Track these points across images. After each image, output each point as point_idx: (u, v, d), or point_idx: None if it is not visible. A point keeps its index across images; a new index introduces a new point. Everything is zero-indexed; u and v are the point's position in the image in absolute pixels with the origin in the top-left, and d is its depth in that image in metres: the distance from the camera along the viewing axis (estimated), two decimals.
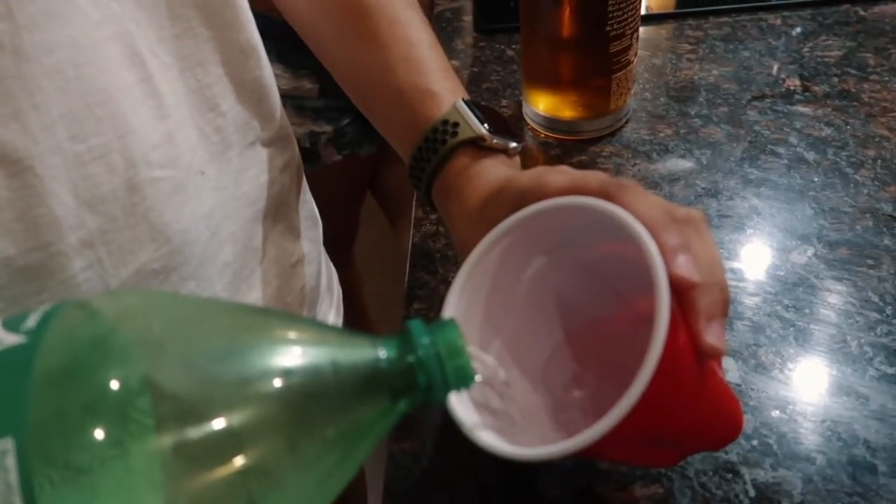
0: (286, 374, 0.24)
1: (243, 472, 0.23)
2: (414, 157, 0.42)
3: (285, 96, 0.92)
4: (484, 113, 0.42)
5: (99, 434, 0.21)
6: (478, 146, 0.41)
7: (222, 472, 0.22)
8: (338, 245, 1.14)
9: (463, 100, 0.42)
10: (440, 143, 0.41)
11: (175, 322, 0.25)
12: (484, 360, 0.31)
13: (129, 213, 0.34)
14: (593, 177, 0.34)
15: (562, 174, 0.35)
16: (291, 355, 0.24)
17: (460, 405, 0.32)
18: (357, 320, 1.22)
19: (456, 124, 0.41)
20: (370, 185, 1.10)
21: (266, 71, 0.44)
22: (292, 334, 0.25)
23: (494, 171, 0.40)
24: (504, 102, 0.66)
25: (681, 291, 0.30)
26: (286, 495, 0.24)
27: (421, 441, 0.41)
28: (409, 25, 0.45)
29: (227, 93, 0.41)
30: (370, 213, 1.15)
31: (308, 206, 0.53)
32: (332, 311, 0.56)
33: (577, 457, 0.30)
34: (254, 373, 0.24)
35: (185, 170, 0.37)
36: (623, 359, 0.34)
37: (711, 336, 0.30)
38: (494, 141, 0.41)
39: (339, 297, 0.59)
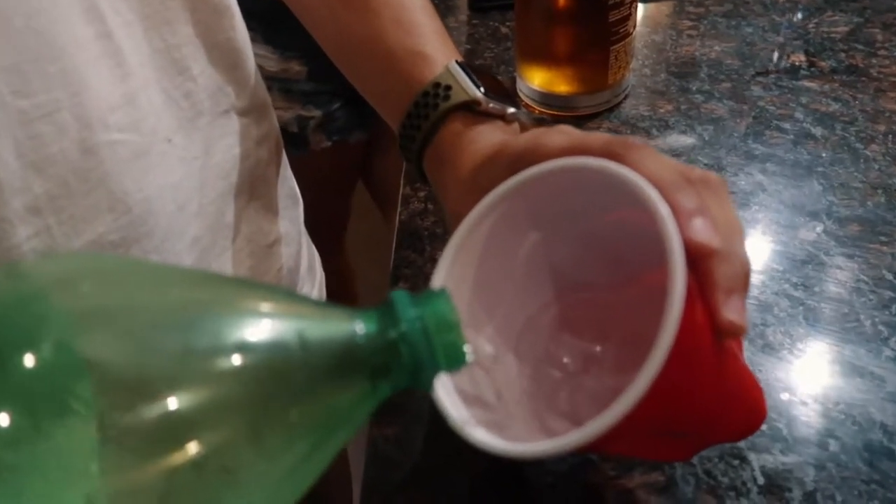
0: (244, 349, 0.21)
1: (196, 465, 0.20)
2: (404, 123, 0.39)
3: (272, 79, 0.90)
4: (480, 76, 0.39)
5: (19, 421, 0.18)
6: (472, 111, 0.38)
7: (170, 464, 0.19)
8: (329, 234, 1.11)
9: (457, 61, 0.39)
10: (431, 108, 0.38)
11: (116, 288, 0.22)
12: (476, 342, 0.28)
13: (82, 178, 0.32)
14: (597, 136, 0.31)
15: (562, 134, 0.32)
16: (252, 328, 0.21)
17: (448, 396, 0.28)
18: (348, 305, 1.19)
19: (448, 87, 0.38)
20: (361, 173, 1.07)
21: (240, 33, 0.41)
22: (254, 304, 0.22)
23: (490, 137, 0.37)
24: (498, 79, 0.64)
25: (697, 260, 0.26)
26: (248, 490, 0.21)
27: (405, 427, 0.39)
28: None
29: (197, 55, 0.38)
30: (362, 202, 1.12)
31: (288, 185, 0.50)
32: (314, 294, 0.53)
33: (578, 452, 0.27)
34: (206, 347, 0.21)
35: (149, 135, 0.35)
36: (633, 341, 0.31)
37: (732, 311, 0.26)
38: (490, 105, 0.38)
39: (322, 281, 0.56)
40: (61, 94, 0.30)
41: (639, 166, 0.28)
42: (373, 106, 0.44)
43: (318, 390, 0.22)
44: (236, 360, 0.21)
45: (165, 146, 0.36)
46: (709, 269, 0.26)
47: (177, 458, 0.20)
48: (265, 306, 0.22)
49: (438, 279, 0.30)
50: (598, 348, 0.34)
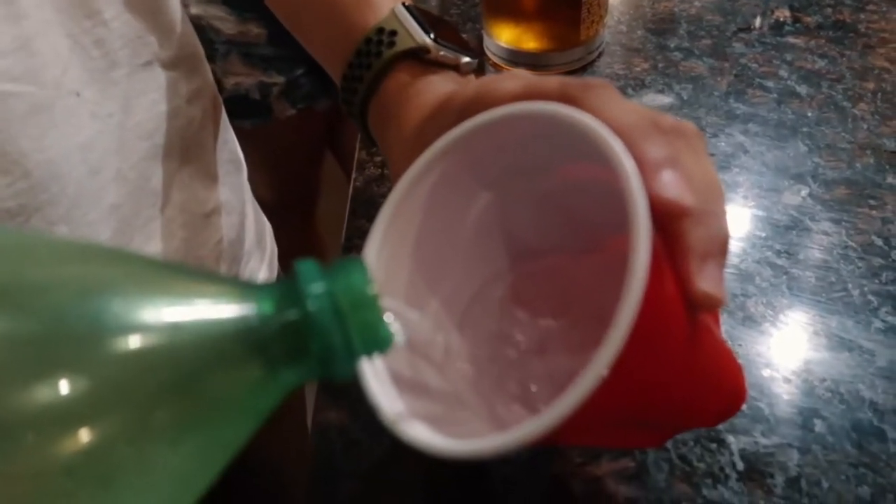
0: (111, 336, 0.17)
1: (67, 471, 0.16)
2: (345, 75, 0.35)
3: (230, 43, 0.85)
4: (431, 21, 0.35)
5: None
6: (421, 59, 0.34)
7: (35, 469, 0.16)
8: (298, 209, 1.07)
9: (404, 4, 0.35)
10: (374, 56, 0.34)
11: None
12: (408, 317, 0.24)
13: None
14: (553, 79, 0.27)
15: (514, 79, 0.28)
16: (120, 310, 0.17)
17: (379, 384, 0.24)
18: None
19: (394, 32, 0.34)
20: (329, 144, 1.02)
21: None
22: (125, 281, 0.18)
23: (440, 88, 0.32)
24: (464, 37, 0.59)
25: (667, 221, 0.23)
26: (130, 498, 0.17)
27: (353, 410, 0.35)
28: None
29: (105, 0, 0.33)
30: (334, 174, 1.08)
31: (229, 148, 0.46)
32: (263, 269, 0.50)
33: (536, 446, 0.23)
34: (65, 335, 0.17)
35: (50, 88, 0.30)
36: (596, 316, 0.28)
37: (706, 281, 0.22)
38: (441, 53, 0.33)
39: (273, 255, 0.52)
40: None
41: (599, 111, 0.24)
42: (318, 60, 0.40)
43: (204, 383, 0.18)
44: (101, 348, 0.17)
45: (72, 100, 0.32)
46: (680, 232, 0.23)
47: (42, 463, 0.16)
48: (137, 284, 0.18)
49: (371, 250, 0.26)
50: (555, 324, 0.30)
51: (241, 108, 0.87)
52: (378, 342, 0.20)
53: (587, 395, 0.20)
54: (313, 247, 1.12)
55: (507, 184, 0.29)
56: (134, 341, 0.17)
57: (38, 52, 0.30)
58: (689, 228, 0.23)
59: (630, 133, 0.23)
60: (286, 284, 0.19)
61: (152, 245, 0.38)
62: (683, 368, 0.24)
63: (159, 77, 0.37)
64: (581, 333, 0.28)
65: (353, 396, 0.35)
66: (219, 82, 0.85)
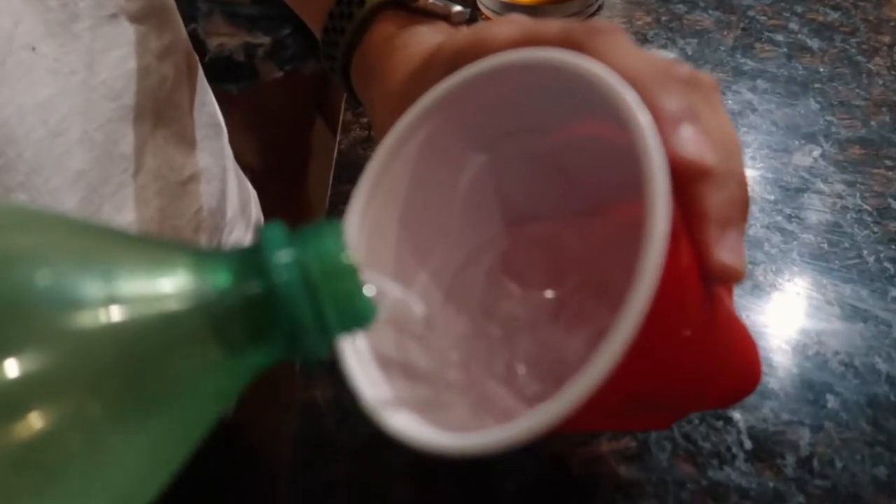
0: (47, 312, 0.15)
1: (12, 463, 0.14)
2: (326, 28, 0.32)
3: (213, 1, 0.81)
4: None
5: None
6: (407, 8, 0.31)
7: None
8: (287, 176, 1.04)
9: None
10: (357, 5, 0.31)
11: None
12: (388, 289, 0.22)
13: None
14: (553, 24, 0.24)
15: (510, 24, 0.25)
16: (58, 283, 0.15)
17: (361, 366, 0.22)
18: None
19: None
20: (319, 108, 0.99)
21: None
22: (67, 250, 0.16)
23: (428, 39, 0.30)
24: None
25: (685, 183, 0.20)
26: (80, 493, 0.15)
27: (336, 385, 0.33)
28: None
29: None
30: (323, 142, 1.05)
31: (208, 111, 0.43)
32: (247, 238, 0.47)
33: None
34: None
35: (2, 42, 0.28)
36: (596, 288, 0.25)
37: (726, 252, 0.20)
38: (430, 1, 0.30)
39: (259, 223, 0.50)
40: None
41: (608, 58, 0.21)
42: (297, 13, 0.37)
43: (155, 365, 0.16)
44: (33, 328, 0.15)
45: (27, 56, 0.29)
46: (699, 195, 0.20)
47: None
48: (73, 254, 0.16)
49: (353, 217, 0.24)
50: (560, 303, 0.27)
51: (226, 71, 0.84)
52: (356, 318, 0.17)
53: (601, 380, 0.17)
54: (302, 215, 1.09)
55: (502, 144, 0.26)
56: (69, 319, 0.15)
57: None
58: (708, 192, 0.20)
59: (643, 82, 0.21)
60: (248, 252, 0.17)
61: (124, 214, 0.35)
62: (697, 346, 0.22)
63: (127, 31, 0.34)
64: (577, 308, 0.26)
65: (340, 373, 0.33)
66: (202, 43, 0.81)
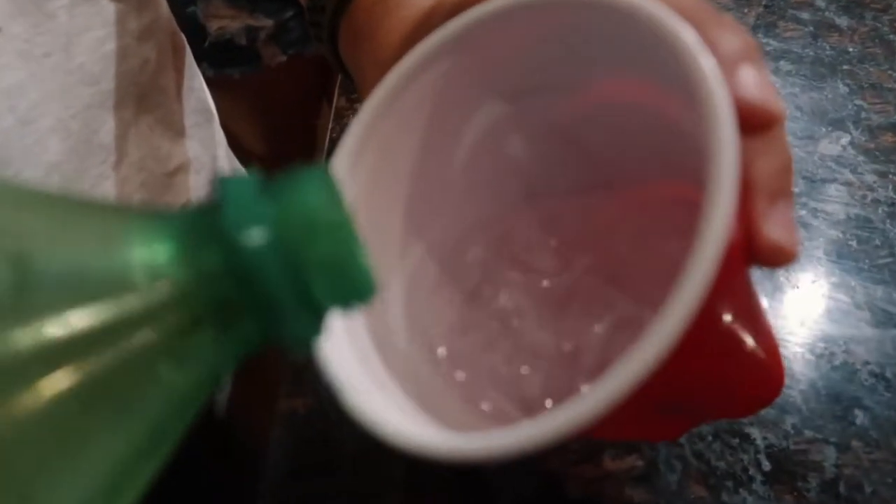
0: None
1: None
2: None
3: None
4: None
5: None
6: None
7: None
8: (294, 163, 1.01)
9: None
10: None
11: None
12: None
13: None
14: None
15: None
16: None
17: (341, 357, 0.19)
18: None
19: None
20: (324, 93, 0.96)
21: None
22: None
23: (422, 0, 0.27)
24: None
25: (745, 136, 0.17)
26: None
27: (317, 394, 0.31)
28: None
29: None
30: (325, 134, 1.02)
31: (197, 96, 0.41)
32: None
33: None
34: None
35: None
36: (613, 273, 0.22)
37: (778, 227, 0.17)
38: None
39: None
40: None
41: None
42: None
43: (82, 363, 0.13)
44: None
45: None
46: (748, 158, 0.17)
47: None
48: None
49: (340, 172, 0.21)
50: (576, 284, 0.24)
51: (228, 56, 0.82)
52: (353, 288, 0.13)
53: (640, 379, 0.15)
54: None
55: (517, 102, 0.23)
56: None
57: None
58: (759, 160, 0.17)
59: (697, 17, 0.17)
60: (203, 213, 0.13)
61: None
62: (735, 335, 0.19)
63: (105, 10, 0.32)
64: (588, 294, 0.23)
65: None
66: (201, 27, 0.79)
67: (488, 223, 0.25)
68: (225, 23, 0.80)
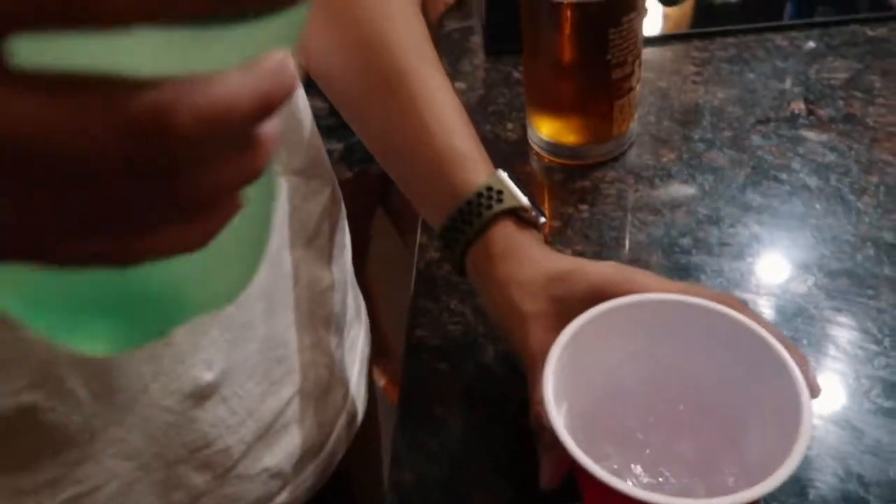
0: None
1: None
2: (453, 217, 0.43)
3: None
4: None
5: None
6: (517, 216, 0.42)
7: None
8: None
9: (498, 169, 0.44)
10: (485, 208, 0.42)
11: None
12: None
13: None
14: (696, 288, 0.39)
15: (649, 276, 0.39)
16: None
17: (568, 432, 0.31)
18: (371, 333, 1.22)
19: (500, 192, 0.42)
20: (381, 201, 1.11)
21: (301, 101, 0.45)
22: None
23: (541, 249, 0.42)
24: (510, 126, 0.67)
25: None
26: None
27: (426, 469, 0.42)
28: (441, 89, 0.45)
29: None
30: (381, 227, 1.16)
31: (341, 233, 0.53)
32: (361, 336, 0.56)
33: None
34: None
35: None
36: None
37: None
38: (532, 213, 0.42)
39: (368, 328, 0.59)
40: None
41: (755, 319, 0.35)
42: (412, 200, 0.48)
43: None
44: None
45: None
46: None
47: None
48: None
49: (553, 360, 0.34)
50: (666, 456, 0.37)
51: None
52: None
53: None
54: (363, 292, 1.20)
55: (643, 353, 0.37)
56: None
57: None
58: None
59: (781, 339, 0.34)
60: None
61: (287, 316, 0.44)
62: None
63: (292, 181, 0.44)
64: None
65: (432, 449, 0.42)
66: None
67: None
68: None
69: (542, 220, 0.43)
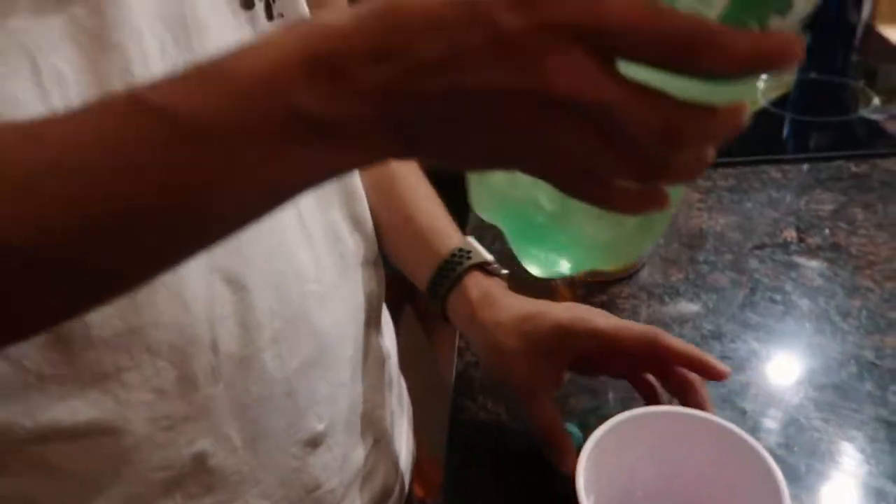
0: None
1: None
2: (435, 273, 0.55)
3: None
4: None
5: None
6: (484, 269, 0.55)
7: None
8: None
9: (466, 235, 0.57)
10: (458, 264, 0.55)
11: None
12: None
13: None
14: (630, 324, 0.50)
15: (601, 315, 0.50)
16: None
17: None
18: None
19: (470, 251, 0.55)
20: (409, 300, 1.19)
21: (365, 209, 0.55)
22: None
23: (512, 296, 0.54)
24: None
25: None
26: None
27: None
28: (420, 184, 0.60)
29: (344, 227, 0.50)
30: (408, 326, 1.24)
31: (385, 311, 0.62)
32: (404, 422, 0.63)
33: None
34: None
35: (328, 285, 0.47)
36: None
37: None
38: (495, 266, 0.56)
39: (411, 412, 0.66)
40: (285, 265, 0.44)
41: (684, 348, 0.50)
42: (402, 268, 0.59)
43: None
44: None
45: (334, 291, 0.48)
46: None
47: None
48: None
49: (584, 459, 0.41)
50: None
51: None
52: None
53: None
54: None
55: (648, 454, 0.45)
56: None
57: (322, 264, 0.47)
58: None
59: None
60: None
61: (366, 382, 0.53)
62: None
63: (368, 271, 0.54)
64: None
65: None
66: None
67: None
68: None
69: (504, 270, 0.55)
